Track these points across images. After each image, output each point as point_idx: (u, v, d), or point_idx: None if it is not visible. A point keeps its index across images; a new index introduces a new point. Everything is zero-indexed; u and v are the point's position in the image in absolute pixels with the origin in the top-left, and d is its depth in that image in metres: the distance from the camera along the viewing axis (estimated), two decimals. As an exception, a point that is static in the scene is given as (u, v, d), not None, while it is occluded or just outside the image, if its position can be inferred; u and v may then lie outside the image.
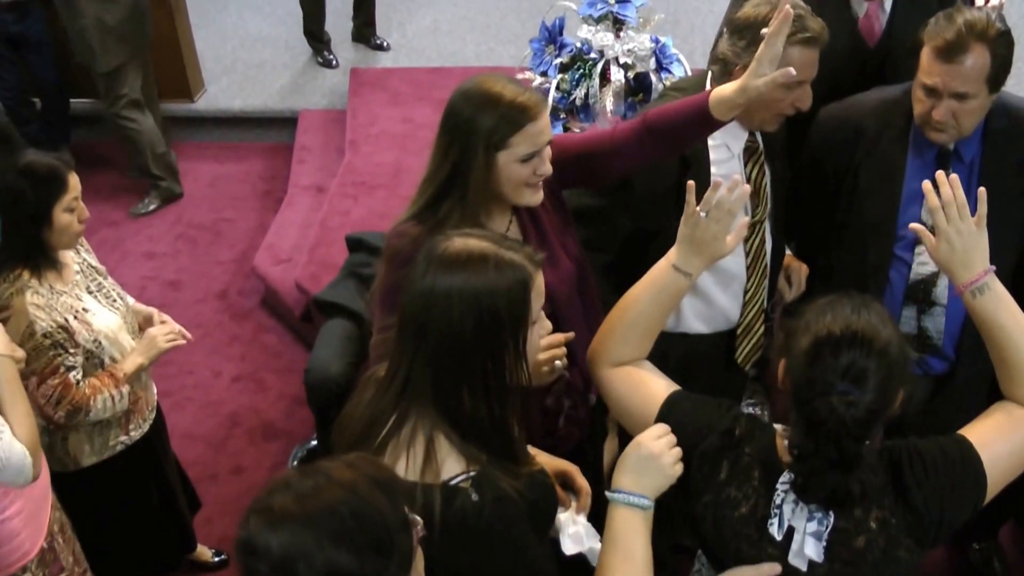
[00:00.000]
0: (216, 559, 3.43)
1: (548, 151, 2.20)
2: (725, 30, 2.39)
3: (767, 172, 2.61)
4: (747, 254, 2.65)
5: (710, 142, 2.51)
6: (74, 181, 2.57)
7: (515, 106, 2.14)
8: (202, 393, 4.16)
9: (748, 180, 2.56)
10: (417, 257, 1.75)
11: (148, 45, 4.97)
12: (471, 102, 2.16)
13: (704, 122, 2.22)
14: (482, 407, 1.69)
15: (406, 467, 1.68)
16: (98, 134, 5.67)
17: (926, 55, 2.32)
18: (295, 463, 3.72)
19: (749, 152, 2.57)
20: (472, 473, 1.68)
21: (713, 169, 2.52)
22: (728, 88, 2.17)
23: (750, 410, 3.65)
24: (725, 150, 2.55)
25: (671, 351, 2.52)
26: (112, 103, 4.88)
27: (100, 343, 2.65)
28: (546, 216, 2.33)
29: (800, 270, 2.77)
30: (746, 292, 2.70)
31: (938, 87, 2.30)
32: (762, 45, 2.13)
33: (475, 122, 2.13)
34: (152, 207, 5.22)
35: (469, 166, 2.14)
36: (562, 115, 3.54)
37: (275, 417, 4.04)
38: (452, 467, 1.68)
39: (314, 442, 3.73)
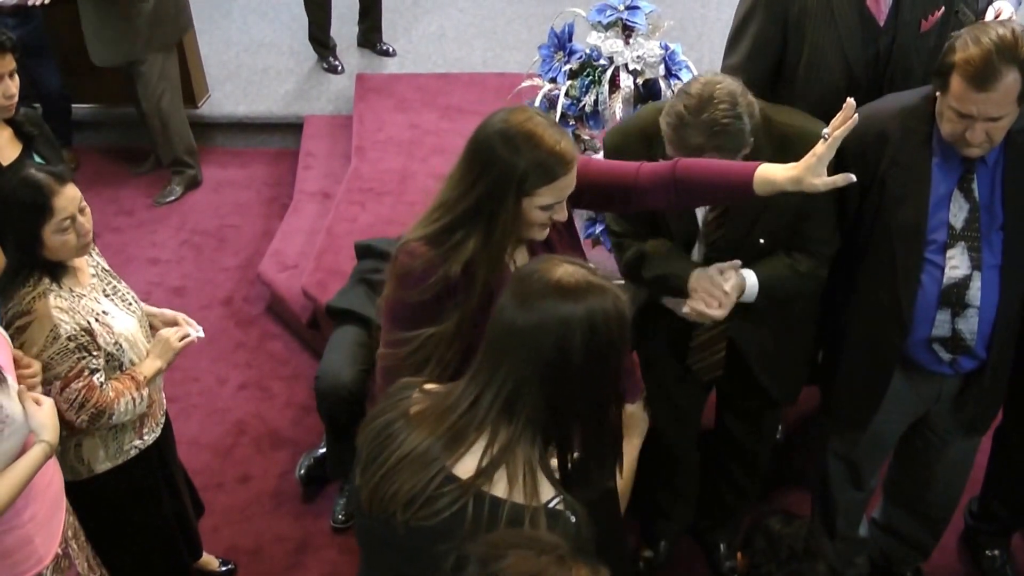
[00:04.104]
0: (223, 568, 3.40)
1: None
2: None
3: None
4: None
5: None
6: (63, 202, 2.46)
7: (554, 155, 2.09)
8: (208, 401, 4.13)
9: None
10: (513, 283, 1.74)
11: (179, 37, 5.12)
12: (510, 143, 2.08)
13: (742, 192, 2.22)
14: (581, 437, 1.75)
15: (509, 488, 1.68)
16: (100, 139, 5.66)
17: (957, 83, 2.28)
18: (302, 471, 3.70)
19: None
20: (562, 496, 1.70)
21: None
22: (780, 173, 2.17)
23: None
24: None
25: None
26: (150, 92, 4.97)
27: (121, 346, 2.65)
28: (556, 238, 2.30)
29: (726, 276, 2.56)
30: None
31: (973, 114, 2.29)
32: (825, 145, 2.14)
33: (511, 166, 2.07)
34: (176, 195, 5.27)
35: (498, 207, 2.10)
36: (571, 122, 3.53)
37: (282, 425, 4.02)
38: (547, 490, 1.69)
39: (322, 450, 3.70)
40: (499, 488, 1.68)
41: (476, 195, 2.11)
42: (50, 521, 2.41)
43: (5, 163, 3.05)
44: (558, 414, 1.70)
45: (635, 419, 2.51)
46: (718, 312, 2.53)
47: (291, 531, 3.60)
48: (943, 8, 2.81)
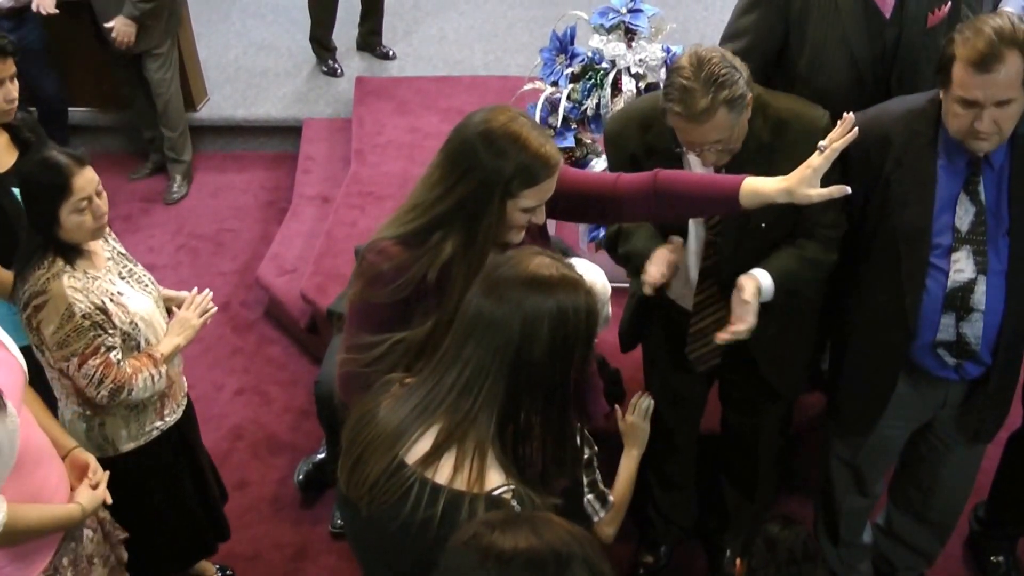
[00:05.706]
0: (221, 575, 3.37)
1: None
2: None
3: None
4: (700, 262, 2.67)
5: None
6: (81, 182, 2.51)
7: (538, 158, 2.05)
8: (204, 407, 4.08)
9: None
10: (486, 270, 1.75)
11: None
12: (493, 146, 2.04)
13: (728, 206, 2.19)
14: (540, 428, 1.74)
15: (452, 474, 1.68)
16: (97, 143, 5.64)
17: (960, 69, 2.28)
18: (301, 477, 3.67)
19: None
20: (512, 486, 1.69)
21: None
22: (769, 185, 2.14)
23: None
24: None
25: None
26: (163, 72, 5.02)
27: (136, 325, 2.68)
28: (531, 242, 2.25)
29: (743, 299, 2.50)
30: (696, 303, 2.71)
31: (979, 99, 2.27)
32: (822, 157, 2.12)
33: (497, 169, 2.04)
34: (184, 190, 5.31)
35: (482, 210, 2.06)
36: (573, 125, 3.51)
37: (280, 430, 3.99)
38: (494, 478, 1.70)
39: (321, 455, 3.68)
40: (444, 473, 1.69)
41: (456, 197, 2.07)
42: (28, 554, 2.31)
43: (1, 169, 3.03)
44: (517, 404, 1.70)
45: (636, 429, 2.50)
46: (744, 326, 2.45)
47: (290, 537, 3.57)
48: (949, 3, 2.79)
